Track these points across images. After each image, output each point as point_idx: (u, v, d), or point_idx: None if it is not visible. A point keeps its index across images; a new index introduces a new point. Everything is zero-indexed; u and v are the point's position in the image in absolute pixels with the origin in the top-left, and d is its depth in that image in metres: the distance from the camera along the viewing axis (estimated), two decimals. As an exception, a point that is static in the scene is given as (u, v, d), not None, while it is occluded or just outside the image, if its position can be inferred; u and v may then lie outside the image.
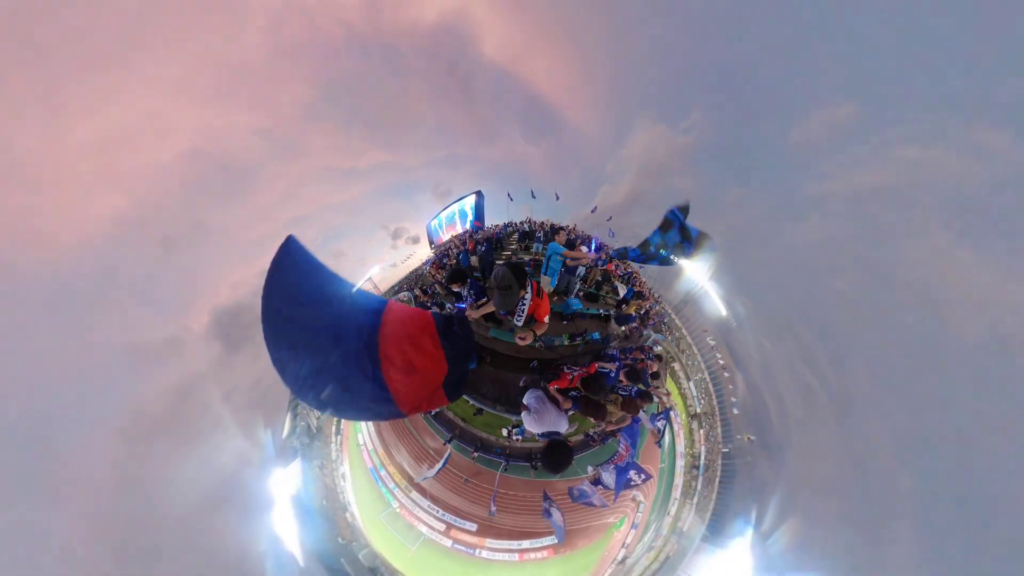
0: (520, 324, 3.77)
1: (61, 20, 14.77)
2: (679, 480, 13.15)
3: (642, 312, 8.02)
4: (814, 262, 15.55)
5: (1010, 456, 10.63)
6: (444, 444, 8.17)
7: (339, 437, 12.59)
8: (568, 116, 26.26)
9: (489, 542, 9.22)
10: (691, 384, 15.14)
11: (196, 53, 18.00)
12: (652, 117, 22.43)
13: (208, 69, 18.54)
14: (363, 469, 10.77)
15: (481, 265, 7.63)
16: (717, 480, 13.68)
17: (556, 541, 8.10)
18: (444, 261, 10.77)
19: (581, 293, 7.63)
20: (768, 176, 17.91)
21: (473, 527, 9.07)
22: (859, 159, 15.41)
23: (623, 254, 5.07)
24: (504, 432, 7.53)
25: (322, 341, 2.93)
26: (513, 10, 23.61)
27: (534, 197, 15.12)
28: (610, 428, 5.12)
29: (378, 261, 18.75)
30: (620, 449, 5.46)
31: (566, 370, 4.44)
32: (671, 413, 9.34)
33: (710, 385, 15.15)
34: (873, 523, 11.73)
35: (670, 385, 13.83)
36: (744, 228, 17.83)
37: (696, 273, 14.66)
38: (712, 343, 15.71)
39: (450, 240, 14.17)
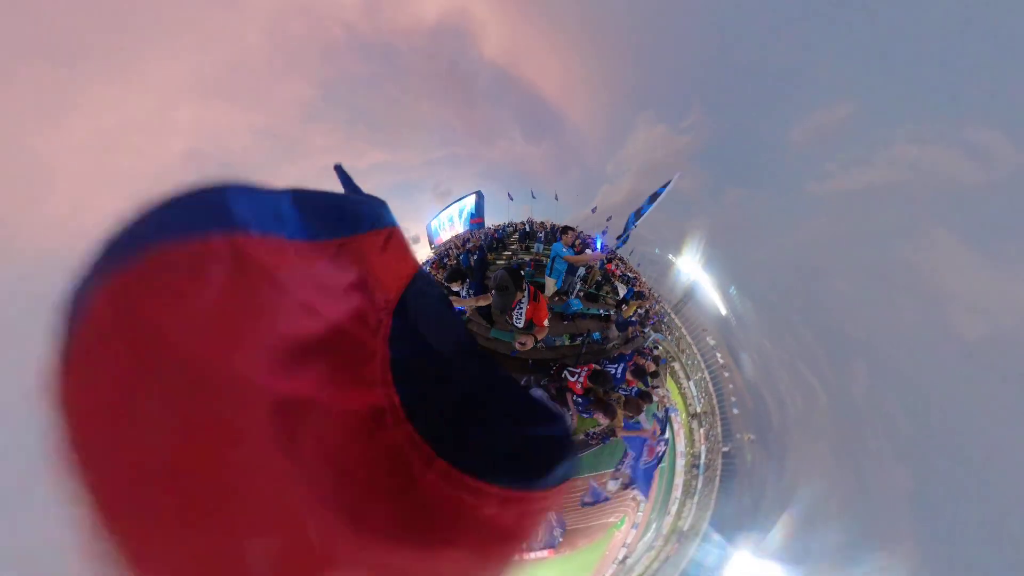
0: (520, 327, 3.78)
1: (61, 20, 14.78)
2: (679, 480, 13.16)
3: (642, 312, 8.03)
4: (814, 262, 15.55)
5: (1010, 456, 10.63)
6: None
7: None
8: (568, 116, 26.26)
9: (489, 542, 9.19)
10: (691, 384, 15.15)
11: (196, 53, 18.01)
12: (652, 117, 22.44)
13: (208, 69, 18.56)
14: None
15: (474, 269, 7.66)
16: (717, 479, 13.70)
17: (551, 545, 8.09)
18: (444, 261, 10.79)
19: (581, 293, 7.63)
20: (768, 176, 17.91)
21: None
22: (859, 159, 15.41)
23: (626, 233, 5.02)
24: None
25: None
26: (514, 10, 23.61)
27: (534, 197, 15.14)
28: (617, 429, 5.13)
29: (378, 261, 18.73)
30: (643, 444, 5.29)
31: (571, 379, 4.43)
32: (671, 414, 9.35)
33: (710, 385, 15.16)
34: (873, 522, 11.74)
35: (670, 384, 13.84)
36: (744, 228, 17.84)
37: (693, 271, 14.68)
38: (712, 343, 15.72)
39: (450, 240, 14.18)
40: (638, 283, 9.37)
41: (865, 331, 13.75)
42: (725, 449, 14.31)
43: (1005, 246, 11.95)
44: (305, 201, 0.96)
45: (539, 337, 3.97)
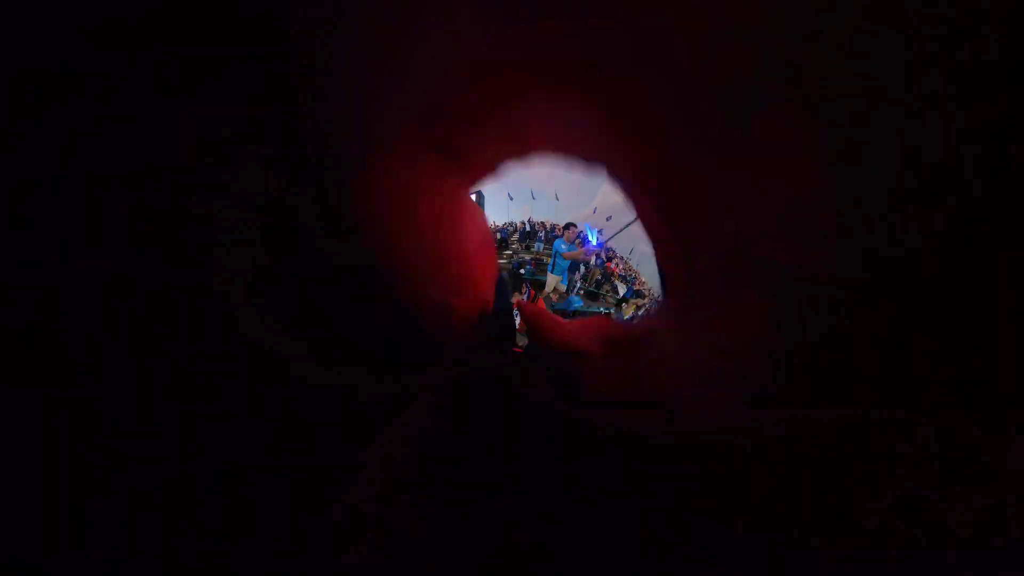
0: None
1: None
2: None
3: (641, 311, 8.14)
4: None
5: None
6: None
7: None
8: (568, 116, 26.44)
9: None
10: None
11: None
12: (652, 117, 22.57)
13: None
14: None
15: None
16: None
17: None
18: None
19: (582, 292, 7.72)
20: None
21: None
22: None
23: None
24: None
25: None
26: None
27: (534, 198, 15.21)
28: None
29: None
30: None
31: None
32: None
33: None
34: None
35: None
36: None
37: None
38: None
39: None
40: (638, 282, 9.43)
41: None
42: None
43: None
44: None
45: None
